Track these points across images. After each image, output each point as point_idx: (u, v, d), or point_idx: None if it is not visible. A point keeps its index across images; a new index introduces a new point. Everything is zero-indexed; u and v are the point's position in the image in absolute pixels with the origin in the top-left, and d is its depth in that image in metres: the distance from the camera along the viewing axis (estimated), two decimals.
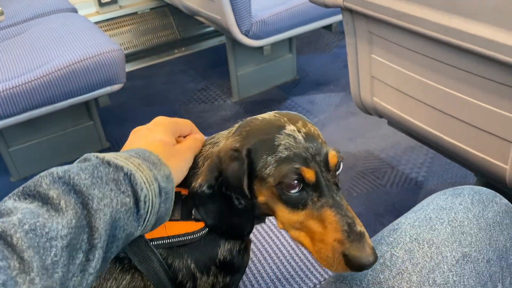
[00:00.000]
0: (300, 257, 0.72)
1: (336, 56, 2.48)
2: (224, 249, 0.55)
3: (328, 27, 2.11)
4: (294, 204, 0.50)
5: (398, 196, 1.52)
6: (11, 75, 1.45)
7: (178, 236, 0.52)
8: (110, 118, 2.08)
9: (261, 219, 0.59)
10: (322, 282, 0.68)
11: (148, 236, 0.51)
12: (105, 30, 2.53)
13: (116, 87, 1.60)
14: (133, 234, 0.43)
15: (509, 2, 0.65)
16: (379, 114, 1.15)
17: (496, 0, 0.67)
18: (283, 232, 0.77)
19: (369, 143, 1.79)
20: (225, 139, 0.55)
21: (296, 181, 0.49)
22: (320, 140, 0.53)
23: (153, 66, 2.55)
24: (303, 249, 0.74)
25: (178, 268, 0.52)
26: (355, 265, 0.46)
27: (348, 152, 1.75)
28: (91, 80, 1.51)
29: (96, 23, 2.46)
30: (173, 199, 0.49)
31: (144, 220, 0.44)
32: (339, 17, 2.02)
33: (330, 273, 0.70)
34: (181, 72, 2.47)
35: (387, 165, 1.67)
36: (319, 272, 0.70)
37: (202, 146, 0.58)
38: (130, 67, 2.53)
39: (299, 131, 0.52)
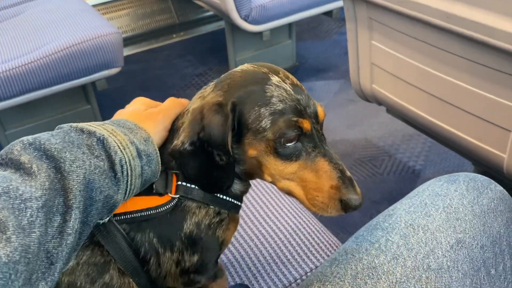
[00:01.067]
0: (297, 242, 0.73)
1: (336, 43, 2.47)
2: (190, 223, 0.53)
3: (328, 14, 2.09)
4: (288, 156, 0.50)
5: (395, 184, 1.53)
6: (7, 57, 1.44)
7: (140, 211, 0.51)
8: (107, 102, 2.07)
9: (244, 181, 0.57)
10: (318, 267, 0.69)
11: None
12: (103, 14, 2.51)
13: (113, 70, 1.59)
14: (112, 197, 0.44)
15: None
16: (378, 101, 1.15)
17: None
18: (279, 217, 0.78)
19: (367, 130, 1.79)
20: (205, 95, 0.53)
21: (295, 134, 0.49)
22: (305, 92, 0.53)
23: (151, 51, 2.53)
24: (300, 234, 0.75)
25: (141, 242, 0.51)
26: (351, 207, 0.49)
27: (347, 139, 1.75)
28: (89, 63, 1.50)
29: (94, 6, 2.43)
30: (159, 161, 0.49)
31: (127, 183, 0.44)
32: (339, 3, 2.00)
33: (325, 258, 0.71)
34: (179, 57, 2.45)
35: (385, 153, 1.67)
36: (315, 257, 0.71)
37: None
38: (128, 51, 2.51)
39: (285, 82, 0.52)
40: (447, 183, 0.61)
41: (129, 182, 0.45)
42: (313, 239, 0.74)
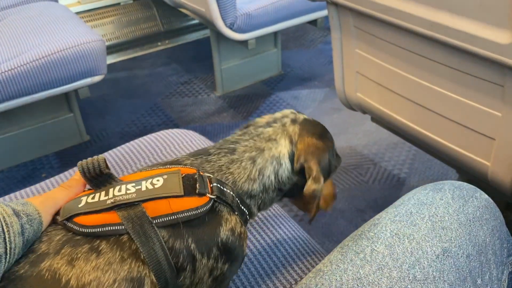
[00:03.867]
0: (281, 252, 0.72)
1: (321, 52, 2.48)
2: (226, 228, 0.55)
3: (313, 23, 2.10)
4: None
5: (380, 193, 1.53)
6: None
7: (183, 212, 0.52)
8: (90, 110, 2.04)
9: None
10: (302, 278, 0.67)
11: (151, 213, 0.51)
12: (87, 21, 2.48)
13: (96, 78, 1.57)
14: None
15: None
16: (363, 109, 1.15)
17: None
18: (263, 226, 0.76)
19: (352, 139, 1.79)
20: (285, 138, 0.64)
21: None
22: None
23: (135, 59, 2.51)
24: (284, 244, 0.73)
25: (179, 249, 0.51)
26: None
27: None
28: (71, 70, 1.48)
29: (78, 13, 2.41)
30: (42, 222, 0.50)
31: (4, 240, 0.45)
32: (324, 12, 2.01)
33: (310, 268, 0.69)
34: (164, 65, 2.43)
35: (370, 161, 1.67)
36: (300, 267, 0.69)
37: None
38: (112, 59, 2.49)
39: None
40: (433, 191, 0.60)
41: (7, 239, 0.45)
42: (298, 249, 0.73)
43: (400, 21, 0.82)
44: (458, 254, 0.53)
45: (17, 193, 0.83)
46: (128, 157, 0.89)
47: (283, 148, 0.63)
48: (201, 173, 0.56)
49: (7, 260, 0.45)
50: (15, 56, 1.43)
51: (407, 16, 0.80)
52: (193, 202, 0.53)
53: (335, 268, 0.53)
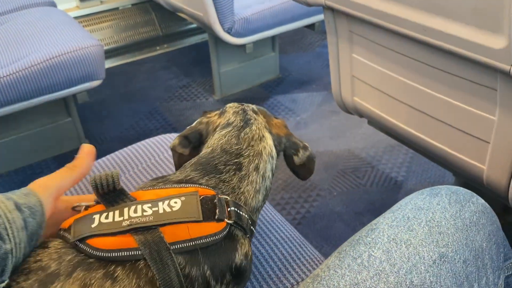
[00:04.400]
0: (278, 256, 0.72)
1: (319, 55, 2.49)
2: (241, 253, 0.54)
3: (311, 26, 2.11)
4: None
5: (378, 195, 1.53)
6: None
7: (202, 238, 0.50)
8: (89, 115, 2.05)
9: None
10: (299, 282, 0.68)
11: (169, 239, 0.49)
12: (85, 26, 2.48)
13: (95, 83, 1.57)
14: (1, 247, 0.44)
15: (488, 4, 0.66)
16: (360, 113, 1.16)
17: (475, 1, 0.67)
18: (260, 230, 0.77)
19: (350, 142, 1.80)
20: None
21: None
22: None
23: (134, 63, 2.52)
24: (281, 248, 0.74)
25: (195, 277, 0.50)
26: None
27: (330, 150, 1.76)
28: (69, 75, 1.48)
29: (76, 18, 2.41)
30: (44, 212, 0.49)
31: (8, 236, 0.44)
32: (321, 16, 2.02)
33: (307, 273, 0.70)
34: (163, 69, 2.44)
35: (368, 164, 1.68)
36: (297, 272, 0.70)
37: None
38: (110, 63, 2.49)
39: None
40: (430, 196, 0.61)
41: (11, 235, 0.45)
42: (295, 253, 0.73)
43: (395, 26, 0.82)
44: (455, 259, 0.53)
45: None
46: (126, 162, 0.89)
47: (269, 140, 0.66)
48: (219, 196, 0.55)
49: (14, 255, 0.45)
50: (14, 61, 1.43)
51: (401, 21, 0.80)
52: (211, 228, 0.52)
53: (333, 273, 0.53)
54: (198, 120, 0.71)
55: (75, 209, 0.55)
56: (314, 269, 0.70)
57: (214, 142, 0.64)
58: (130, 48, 2.57)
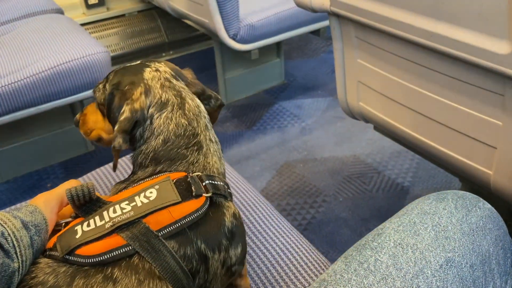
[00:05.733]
0: (285, 261, 0.72)
1: (324, 61, 2.49)
2: (229, 215, 0.56)
3: (316, 32, 2.11)
4: None
5: (384, 201, 1.53)
6: None
7: (186, 217, 0.52)
8: None
9: None
10: (306, 287, 0.68)
11: (155, 227, 0.50)
12: (92, 32, 2.51)
13: None
14: (9, 265, 0.44)
15: (493, 9, 0.66)
16: (365, 119, 1.16)
17: (480, 6, 0.67)
18: (266, 236, 0.77)
19: (355, 148, 1.80)
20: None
21: None
22: None
23: None
24: (288, 253, 0.74)
25: (191, 255, 0.51)
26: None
27: (335, 156, 1.76)
28: (76, 82, 1.49)
29: (83, 25, 2.44)
30: (48, 230, 0.50)
31: (16, 254, 0.45)
32: (326, 23, 2.03)
33: (314, 278, 0.69)
34: None
35: (373, 170, 1.67)
36: (304, 277, 0.70)
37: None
38: None
39: None
40: (436, 201, 0.60)
41: (18, 253, 0.46)
42: (301, 258, 0.73)
43: (401, 32, 0.83)
44: (461, 264, 0.53)
45: (23, 203, 0.84)
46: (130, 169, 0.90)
47: (200, 104, 0.66)
48: (191, 175, 0.56)
49: (20, 273, 0.46)
50: (22, 68, 1.45)
51: (407, 26, 0.81)
52: (192, 205, 0.53)
53: (339, 278, 0.53)
54: (129, 107, 0.61)
55: (56, 229, 0.56)
56: (320, 274, 0.70)
57: (161, 129, 0.60)
58: (136, 54, 2.59)
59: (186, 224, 0.52)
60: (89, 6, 2.50)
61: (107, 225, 0.50)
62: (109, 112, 0.63)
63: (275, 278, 0.69)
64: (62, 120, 1.76)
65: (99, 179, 0.91)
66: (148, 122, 0.61)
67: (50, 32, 1.67)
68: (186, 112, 0.62)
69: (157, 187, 0.53)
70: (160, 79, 0.64)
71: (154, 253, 0.49)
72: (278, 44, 2.16)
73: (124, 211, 0.51)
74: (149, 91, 0.62)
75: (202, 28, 2.03)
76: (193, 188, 0.54)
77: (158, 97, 0.62)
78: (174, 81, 0.65)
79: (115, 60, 2.52)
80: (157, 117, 0.61)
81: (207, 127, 0.64)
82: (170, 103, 0.62)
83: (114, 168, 0.66)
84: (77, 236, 0.50)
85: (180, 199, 0.52)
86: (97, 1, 2.50)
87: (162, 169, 0.59)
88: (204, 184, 0.56)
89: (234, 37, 1.82)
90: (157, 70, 0.65)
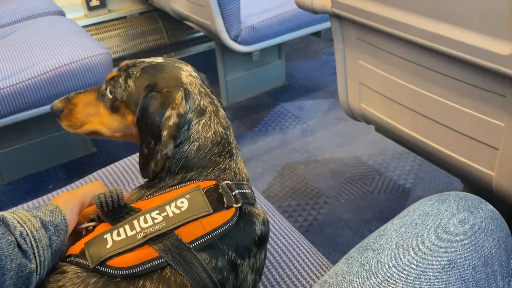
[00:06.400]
0: (286, 263, 0.72)
1: (325, 62, 2.49)
2: (259, 223, 0.56)
3: (317, 34, 2.11)
4: None
5: (385, 203, 1.53)
6: None
7: (217, 229, 0.51)
8: None
9: None
10: None
11: (187, 239, 0.50)
12: (94, 34, 2.51)
13: None
14: (26, 266, 0.44)
15: (494, 10, 0.66)
16: (367, 120, 1.15)
17: (482, 8, 0.67)
18: (272, 236, 0.77)
19: (357, 149, 1.79)
20: None
21: None
22: None
23: None
24: (289, 255, 0.73)
25: (222, 266, 0.51)
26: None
27: (337, 158, 1.76)
28: (78, 83, 1.50)
29: (84, 26, 2.44)
30: (67, 230, 0.50)
31: (34, 255, 0.45)
32: (327, 24, 2.03)
33: (316, 280, 0.69)
34: None
35: (375, 171, 1.67)
36: (305, 279, 0.70)
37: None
38: None
39: None
40: (438, 202, 0.60)
41: (36, 254, 0.46)
42: (303, 260, 0.73)
43: (402, 33, 0.83)
44: (463, 265, 0.53)
45: (24, 205, 0.84)
46: (134, 169, 0.90)
47: (218, 104, 0.66)
48: (221, 184, 0.56)
49: (38, 273, 0.46)
50: (24, 69, 1.45)
51: (409, 28, 0.81)
52: (223, 217, 0.53)
53: (341, 279, 0.53)
54: (175, 112, 0.58)
55: (77, 230, 0.55)
56: (322, 275, 0.70)
57: (199, 135, 0.59)
58: (137, 56, 2.59)
59: (218, 236, 0.51)
60: (90, 8, 2.51)
61: (138, 236, 0.49)
62: (143, 114, 0.59)
63: (276, 280, 0.69)
64: None
65: (101, 180, 0.91)
66: (186, 127, 0.59)
67: (52, 34, 1.67)
68: (221, 120, 0.63)
69: (188, 197, 0.53)
70: (197, 85, 0.63)
71: (186, 266, 0.48)
72: (279, 46, 2.16)
73: (155, 221, 0.50)
74: (189, 96, 0.61)
75: (203, 30, 2.03)
76: (224, 199, 0.54)
77: (197, 103, 0.61)
78: (206, 88, 0.65)
79: (117, 61, 2.51)
80: (196, 123, 0.60)
81: (230, 132, 0.65)
82: (208, 110, 0.61)
83: (153, 174, 0.59)
84: (108, 246, 0.49)
85: (212, 211, 0.52)
86: (98, 3, 2.51)
87: (192, 177, 0.58)
88: (233, 194, 0.56)
89: (235, 39, 1.82)
90: (190, 74, 0.64)
